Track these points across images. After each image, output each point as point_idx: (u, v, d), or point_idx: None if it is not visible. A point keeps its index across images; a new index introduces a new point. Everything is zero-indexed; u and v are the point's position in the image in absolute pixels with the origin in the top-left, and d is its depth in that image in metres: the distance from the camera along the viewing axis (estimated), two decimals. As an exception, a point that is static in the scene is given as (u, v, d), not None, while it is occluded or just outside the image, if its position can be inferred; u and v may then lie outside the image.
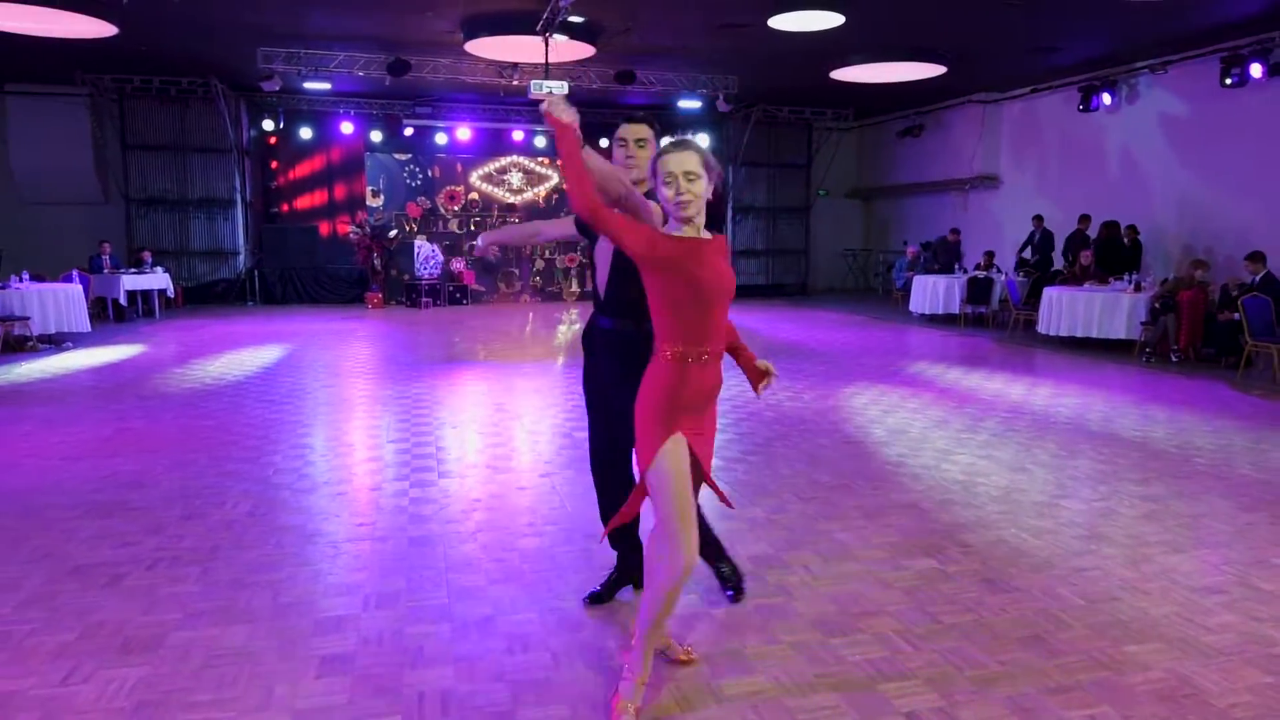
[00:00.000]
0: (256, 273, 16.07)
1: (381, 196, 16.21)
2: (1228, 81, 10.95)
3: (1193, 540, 4.00)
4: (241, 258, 16.06)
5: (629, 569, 3.34)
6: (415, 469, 5.16)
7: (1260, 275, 8.92)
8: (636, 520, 3.06)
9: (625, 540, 3.30)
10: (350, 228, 16.00)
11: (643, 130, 2.98)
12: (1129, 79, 12.76)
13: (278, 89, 13.30)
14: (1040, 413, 6.84)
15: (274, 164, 16.77)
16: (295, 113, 16.29)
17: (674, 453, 2.42)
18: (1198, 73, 11.65)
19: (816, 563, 3.71)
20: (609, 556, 3.76)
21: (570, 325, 13.29)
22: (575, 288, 17.49)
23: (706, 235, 2.47)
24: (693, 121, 17.60)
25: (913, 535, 4.04)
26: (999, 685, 2.72)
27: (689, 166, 2.39)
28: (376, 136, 16.57)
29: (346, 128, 16.24)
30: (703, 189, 2.42)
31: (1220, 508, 4.47)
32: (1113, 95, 12.90)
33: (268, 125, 16.04)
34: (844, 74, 13.06)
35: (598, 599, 3.32)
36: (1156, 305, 9.82)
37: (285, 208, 16.93)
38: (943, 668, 2.82)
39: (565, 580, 3.52)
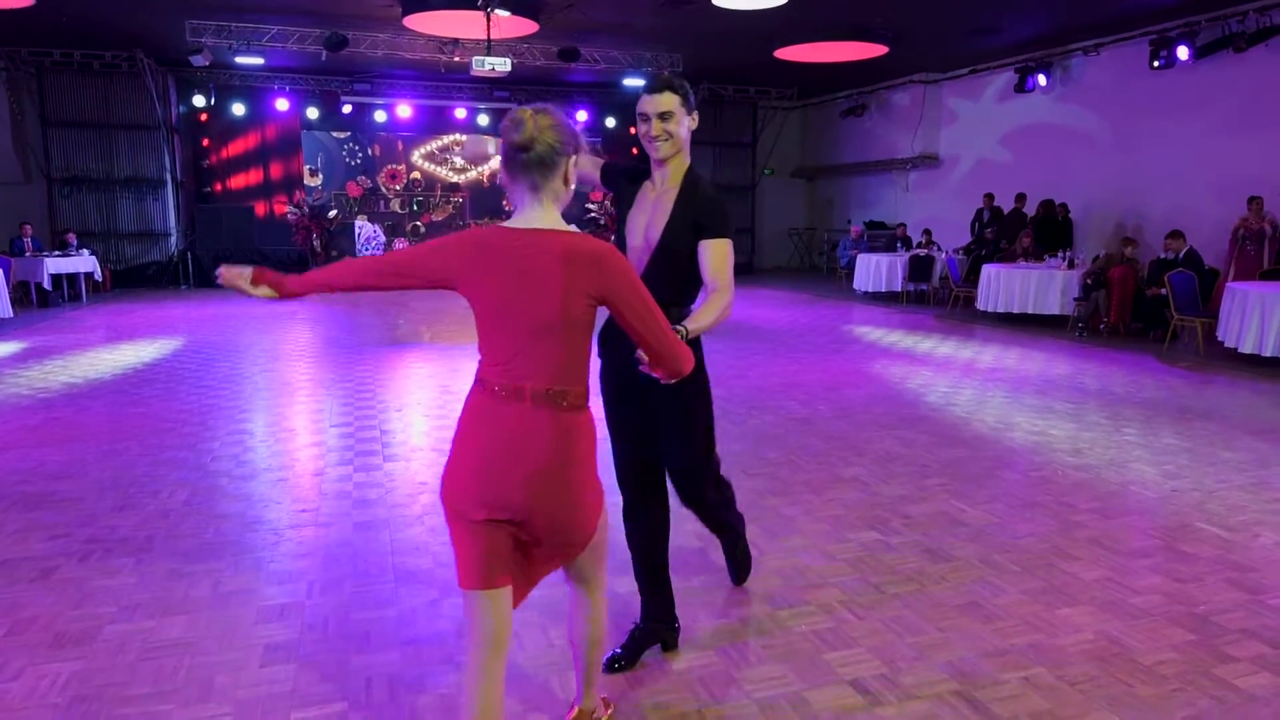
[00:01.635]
0: (189, 255, 15.52)
1: (320, 175, 15.82)
2: (1156, 64, 11.29)
3: (1121, 507, 4.16)
4: (173, 239, 15.50)
5: (658, 620, 2.76)
6: (359, 453, 5.07)
7: (1182, 252, 9.27)
8: (665, 554, 2.75)
9: (652, 578, 2.76)
10: (288, 208, 15.58)
11: (666, 101, 2.46)
12: (1063, 60, 13.07)
13: (207, 64, 12.82)
14: (978, 387, 7.02)
15: (205, 142, 16.18)
16: (227, 88, 15.73)
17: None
18: (1128, 55, 11.99)
19: (763, 538, 3.76)
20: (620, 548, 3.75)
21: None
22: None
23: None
24: (637, 99, 17.49)
25: (856, 508, 4.12)
26: (939, 651, 2.80)
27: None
28: (314, 113, 16.11)
29: (282, 104, 15.76)
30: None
31: (1148, 475, 4.66)
32: (1048, 76, 13.20)
33: (198, 101, 15.48)
34: (788, 53, 13.11)
35: (620, 664, 2.67)
36: (1088, 281, 10.13)
37: (219, 187, 16.37)
38: (885, 636, 2.89)
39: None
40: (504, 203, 16.98)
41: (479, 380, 1.91)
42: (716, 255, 2.43)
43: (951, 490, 4.40)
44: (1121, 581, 3.32)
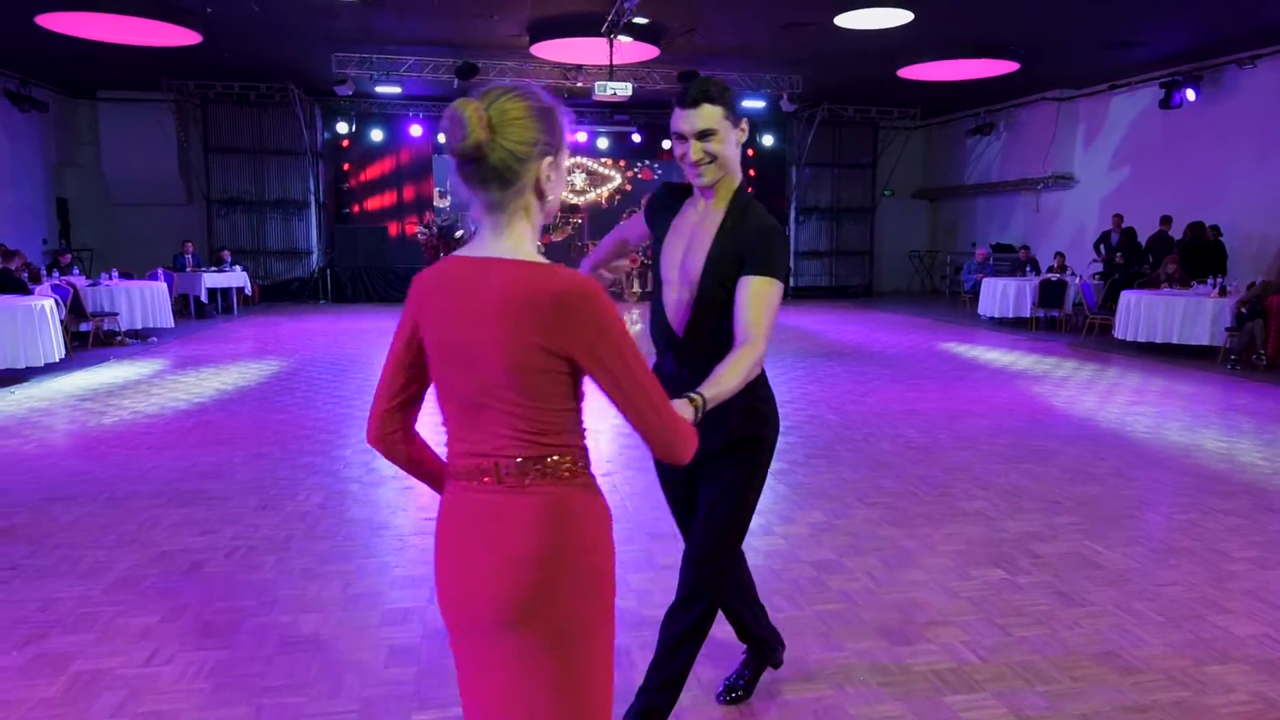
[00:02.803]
0: (329, 272, 16.54)
1: (448, 197, 16.54)
2: (1324, 75, 10.40)
3: (1282, 557, 3.81)
4: (314, 257, 16.55)
5: (761, 642, 2.56)
6: (479, 466, 5.23)
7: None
8: (747, 572, 2.53)
9: (740, 598, 2.49)
10: (418, 228, 16.36)
11: (707, 116, 2.01)
12: (1214, 74, 12.21)
13: (351, 93, 13.68)
14: (1116, 421, 6.60)
15: (346, 166, 17.25)
16: (367, 116, 16.73)
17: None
18: (1291, 66, 11.09)
19: (881, 570, 3.65)
20: (670, 555, 3.76)
21: (632, 325, 13.33)
22: (636, 288, 17.54)
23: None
24: (756, 121, 17.49)
25: (980, 544, 3.94)
26: (1072, 702, 2.63)
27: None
28: (444, 139, 16.87)
29: (415, 130, 16.61)
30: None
31: (1312, 524, 4.25)
32: (1197, 91, 12.35)
33: (341, 128, 16.52)
34: (912, 72, 12.81)
35: (736, 695, 2.54)
36: (1243, 310, 9.37)
37: (356, 208, 17.40)
38: (1012, 681, 2.75)
39: (625, 580, 3.54)
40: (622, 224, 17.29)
41: (446, 464, 1.52)
42: (756, 298, 1.95)
43: (1085, 530, 4.14)
44: (1282, 639, 3.04)
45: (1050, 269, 13.62)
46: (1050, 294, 12.80)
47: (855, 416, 6.65)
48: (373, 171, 17.38)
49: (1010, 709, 2.59)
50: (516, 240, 1.41)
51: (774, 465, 5.36)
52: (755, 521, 4.26)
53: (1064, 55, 12.24)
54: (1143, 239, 12.59)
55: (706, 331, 2.06)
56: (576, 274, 1.35)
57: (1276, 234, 11.50)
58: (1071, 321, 12.76)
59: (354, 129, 16.64)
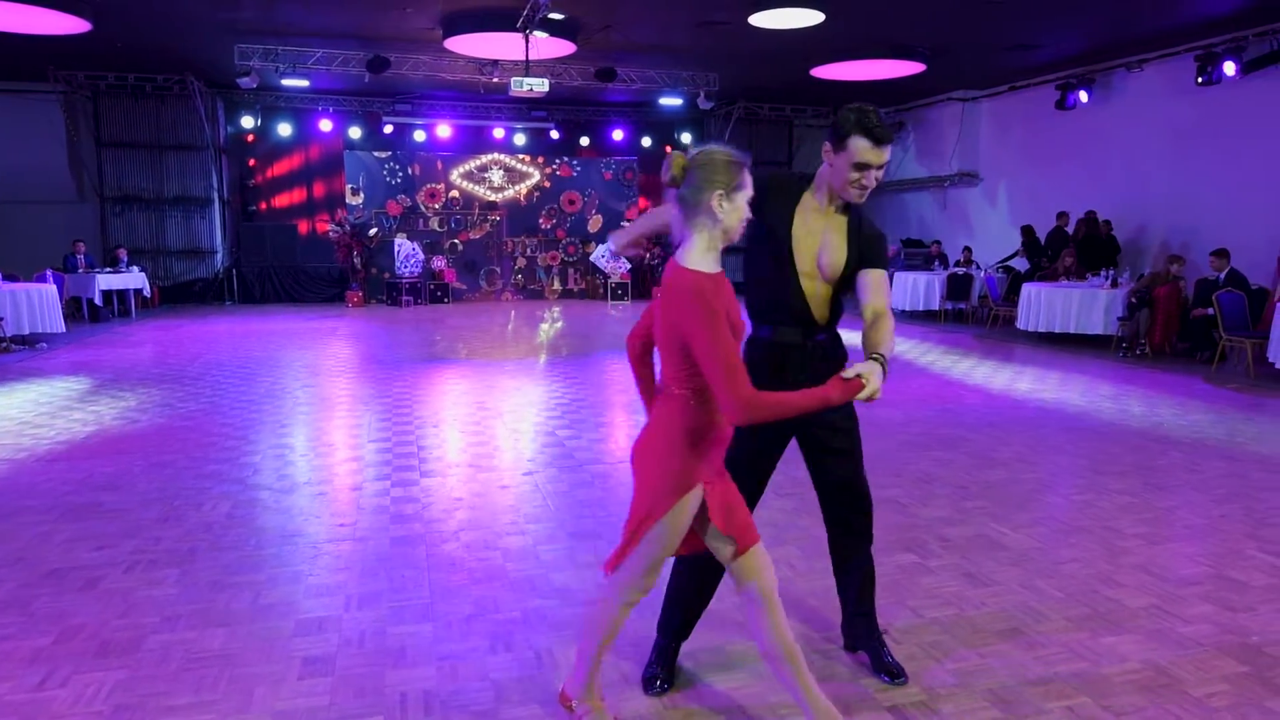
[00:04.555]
0: (234, 272, 15.92)
1: (361, 194, 16.10)
2: (1200, 80, 11.09)
3: (1168, 534, 4.05)
4: (219, 256, 15.90)
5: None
6: (397, 468, 5.13)
7: (1224, 272, 9.05)
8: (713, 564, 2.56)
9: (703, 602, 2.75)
10: (330, 226, 15.88)
11: (888, 153, 2.50)
12: (1106, 77, 12.89)
13: (255, 86, 13.17)
14: (1019, 407, 6.90)
15: (251, 162, 16.60)
16: (273, 110, 16.14)
17: (687, 508, 2.19)
18: (1173, 71, 11.79)
19: (798, 559, 3.72)
20: (592, 552, 3.76)
21: (553, 323, 13.26)
22: (557, 285, 17.45)
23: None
24: (674, 119, 17.61)
25: (893, 530, 4.06)
26: (980, 678, 2.74)
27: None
28: (356, 134, 16.46)
29: (325, 125, 16.12)
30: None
31: (1196, 500, 4.53)
32: (1089, 93, 13.02)
33: (245, 122, 15.90)
34: (824, 71, 13.10)
35: (656, 685, 2.67)
36: (1133, 301, 9.93)
37: (263, 206, 16.77)
38: (924, 661, 2.84)
39: (548, 579, 3.52)
40: (540, 220, 17.14)
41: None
42: (881, 284, 2.54)
43: (991, 513, 4.32)
44: (1169, 610, 3.23)
45: (957, 263, 14.16)
46: (957, 287, 13.29)
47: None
48: (280, 168, 16.77)
49: (922, 688, 2.67)
50: (696, 251, 2.11)
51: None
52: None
53: (967, 57, 12.72)
54: (1041, 233, 13.20)
55: (834, 309, 2.64)
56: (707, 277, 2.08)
57: (1163, 229, 12.22)
58: (978, 313, 13.29)
59: (259, 123, 16.03)
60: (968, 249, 14.24)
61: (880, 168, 2.46)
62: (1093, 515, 4.29)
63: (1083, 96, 13.06)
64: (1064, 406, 6.95)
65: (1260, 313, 8.83)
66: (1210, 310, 8.78)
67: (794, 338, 2.62)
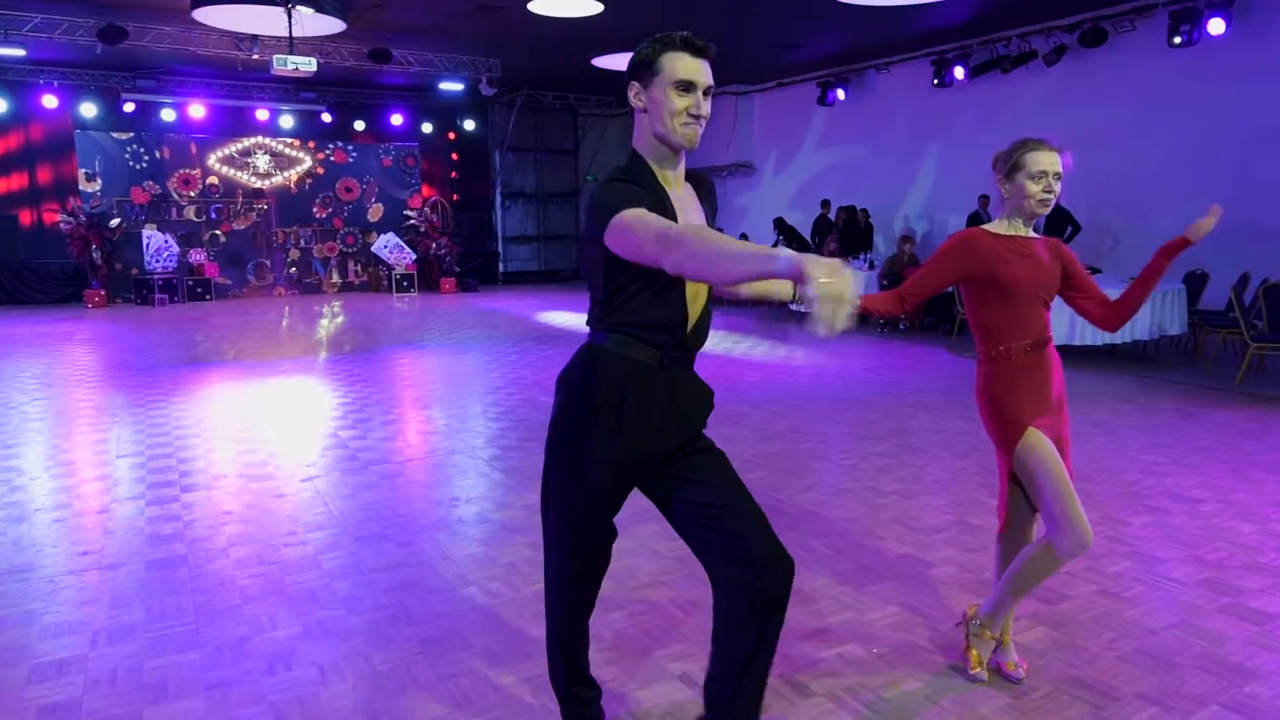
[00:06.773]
0: (-60, 270, 13.63)
1: (99, 180, 14.30)
2: (936, 82, 12.42)
3: (919, 488, 4.52)
4: (-82, 253, 13.53)
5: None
6: (152, 485, 4.62)
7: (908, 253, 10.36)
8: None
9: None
10: (60, 216, 13.96)
11: (711, 72, 2.02)
12: (860, 76, 14.09)
13: (-45, 53, 11.29)
14: (793, 383, 7.41)
15: (-44, 142, 14.24)
16: (-19, 82, 13.94)
17: (1039, 436, 2.48)
18: (914, 72, 13.11)
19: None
20: (378, 558, 3.59)
21: (333, 319, 12.52)
22: (336, 279, 16.49)
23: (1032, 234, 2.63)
24: (456, 105, 17.16)
25: (683, 506, 4.21)
26: (763, 638, 2.90)
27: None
28: (89, 111, 14.55)
29: (50, 101, 14.15)
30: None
31: (942, 457, 5.09)
32: (846, 90, 14.18)
33: (-56, 96, 13.60)
34: (606, 61, 13.29)
35: None
36: (884, 282, 10.97)
37: (-25, 193, 14.45)
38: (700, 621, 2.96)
39: (332, 589, 3.31)
40: (314, 209, 16.09)
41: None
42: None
43: (771, 482, 4.60)
44: (921, 556, 3.59)
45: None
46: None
47: (546, 393, 6.79)
48: (-5, 149, 14.52)
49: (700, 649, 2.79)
50: (1009, 219, 2.64)
51: (486, 452, 5.31)
52: (468, 510, 4.20)
53: (738, 53, 13.40)
54: (809, 221, 14.24)
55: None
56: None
57: (910, 214, 13.58)
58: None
59: (-36, 97, 13.78)
60: (745, 235, 15.07)
61: (708, 93, 1.99)
62: (857, 477, 4.70)
63: (840, 94, 14.20)
64: (832, 380, 7.55)
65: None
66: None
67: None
